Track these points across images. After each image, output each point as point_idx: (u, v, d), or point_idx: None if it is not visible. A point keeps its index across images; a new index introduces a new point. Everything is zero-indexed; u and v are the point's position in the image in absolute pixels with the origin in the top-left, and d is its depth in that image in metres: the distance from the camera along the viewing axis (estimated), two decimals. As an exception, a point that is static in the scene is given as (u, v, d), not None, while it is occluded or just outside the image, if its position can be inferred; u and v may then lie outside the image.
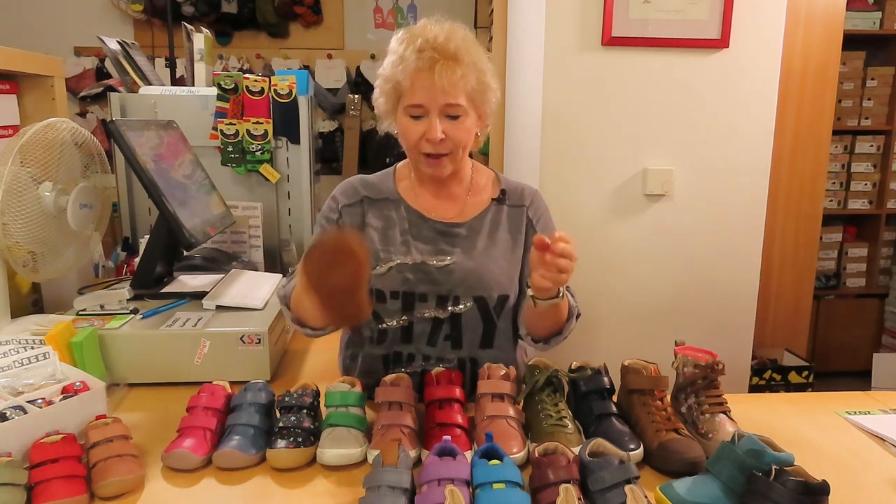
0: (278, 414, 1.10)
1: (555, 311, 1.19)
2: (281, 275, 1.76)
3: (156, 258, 1.59)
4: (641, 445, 1.06)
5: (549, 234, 1.05)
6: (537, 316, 1.21)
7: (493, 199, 1.35)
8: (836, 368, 3.59)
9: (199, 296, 1.51)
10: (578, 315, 1.29)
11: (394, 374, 1.17)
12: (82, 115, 4.23)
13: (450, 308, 1.27)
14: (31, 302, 1.54)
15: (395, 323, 1.28)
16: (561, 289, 1.13)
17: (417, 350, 1.29)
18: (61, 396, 1.08)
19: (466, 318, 1.28)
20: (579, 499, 0.86)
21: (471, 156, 1.39)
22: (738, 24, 1.87)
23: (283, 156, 2.10)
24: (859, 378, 3.51)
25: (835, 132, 3.24)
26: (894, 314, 3.65)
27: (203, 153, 1.95)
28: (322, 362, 1.52)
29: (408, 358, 1.29)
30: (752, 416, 1.21)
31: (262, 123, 2.03)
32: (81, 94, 4.18)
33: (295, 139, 2.08)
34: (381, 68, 1.26)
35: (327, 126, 4.35)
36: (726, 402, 1.11)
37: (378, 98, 1.28)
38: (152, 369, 1.33)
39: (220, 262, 1.82)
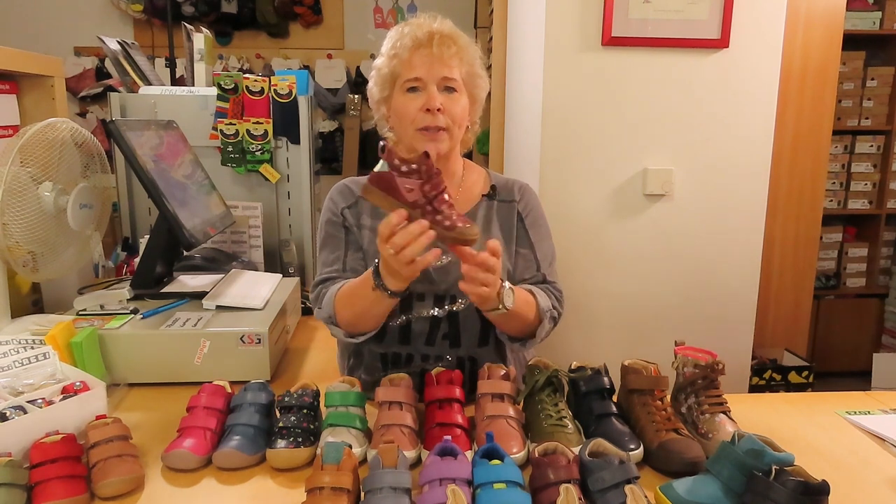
0: (278, 414, 1.10)
1: (513, 317, 1.20)
2: (281, 275, 1.76)
3: (156, 258, 1.59)
4: (641, 445, 1.06)
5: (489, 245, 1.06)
6: (496, 319, 1.22)
7: (483, 196, 1.36)
8: (836, 368, 3.59)
9: (199, 296, 1.51)
10: (556, 318, 1.30)
11: (394, 375, 1.17)
12: (82, 115, 4.24)
13: (447, 307, 1.28)
14: (31, 302, 1.54)
15: (394, 322, 1.28)
16: (503, 301, 1.13)
17: (416, 350, 1.29)
18: (61, 396, 1.08)
19: (464, 317, 1.29)
20: (579, 499, 0.86)
21: (470, 156, 1.39)
22: (738, 24, 1.87)
23: (283, 156, 2.10)
24: (859, 378, 3.51)
25: (835, 132, 3.24)
26: (894, 314, 3.65)
27: (203, 153, 1.95)
28: (322, 362, 1.52)
29: (406, 359, 1.30)
30: (752, 416, 1.21)
31: (262, 123, 2.03)
32: (81, 94, 4.19)
33: (295, 139, 2.08)
34: (375, 61, 1.31)
35: (327, 126, 4.36)
36: (726, 402, 1.12)
37: (372, 88, 1.32)
38: (152, 369, 1.33)
39: (220, 262, 1.82)
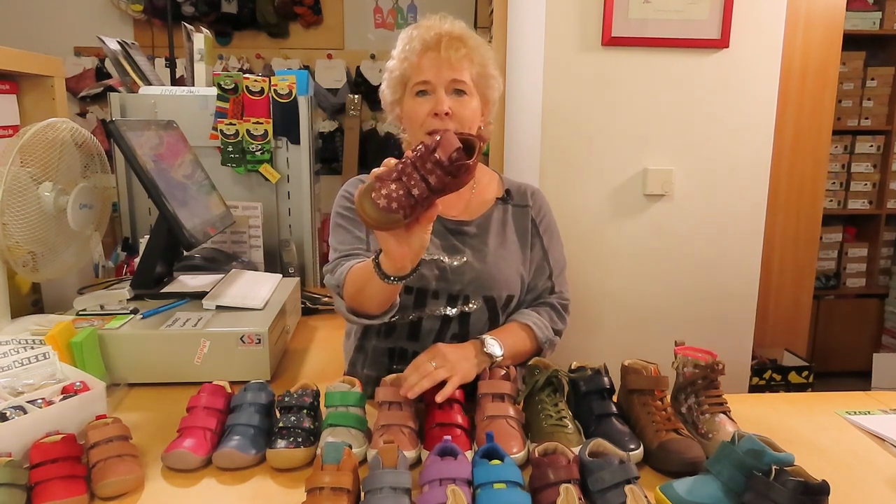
0: (278, 414, 1.10)
1: (511, 358, 1.25)
2: (281, 275, 1.76)
3: (156, 258, 1.59)
4: (641, 445, 1.06)
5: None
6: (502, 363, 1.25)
7: (497, 199, 1.36)
8: (836, 368, 3.59)
9: (199, 296, 1.51)
10: (558, 339, 1.35)
11: (394, 374, 1.17)
12: (82, 115, 4.23)
13: (459, 307, 1.28)
14: (31, 302, 1.54)
15: (405, 318, 1.28)
16: (493, 357, 1.20)
17: (423, 348, 1.29)
18: (61, 396, 1.08)
19: (474, 318, 1.29)
20: (579, 499, 0.86)
21: None
22: (738, 24, 1.87)
23: (283, 156, 2.10)
24: (859, 378, 3.52)
25: (835, 132, 3.24)
26: (894, 314, 3.65)
27: (203, 153, 1.95)
28: (322, 362, 1.52)
29: (413, 355, 1.29)
30: (752, 416, 1.21)
31: (262, 123, 2.03)
32: (81, 94, 4.18)
33: (295, 139, 2.08)
34: (387, 63, 1.30)
35: (327, 126, 4.35)
36: (726, 402, 1.12)
37: (384, 91, 1.32)
38: (152, 369, 1.33)
39: (220, 262, 1.82)
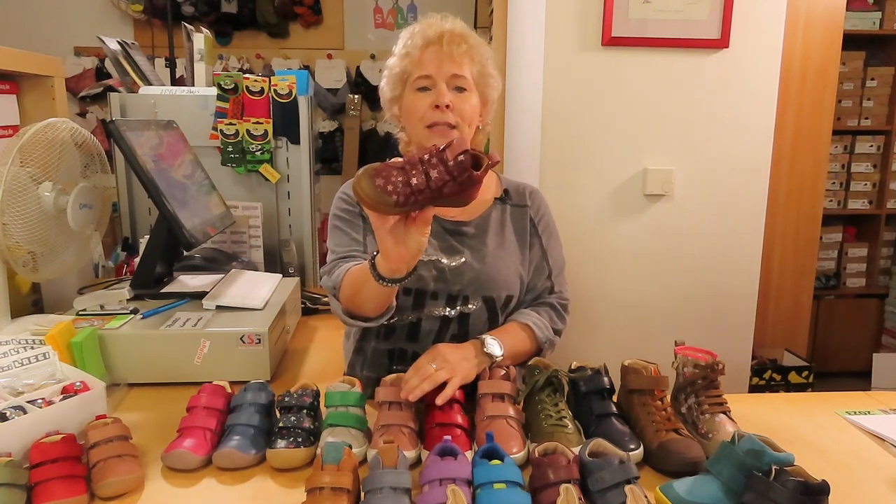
0: (278, 414, 1.10)
1: (511, 358, 1.25)
2: (281, 275, 1.76)
3: (156, 258, 1.59)
4: (641, 445, 1.06)
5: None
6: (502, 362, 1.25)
7: (496, 199, 1.36)
8: (836, 368, 3.60)
9: (199, 296, 1.51)
10: (557, 338, 1.35)
11: (394, 374, 1.17)
12: (82, 115, 4.23)
13: (458, 308, 1.28)
14: (31, 302, 1.54)
15: (404, 319, 1.28)
16: (493, 357, 1.20)
17: (423, 348, 1.28)
18: (61, 396, 1.08)
19: (473, 318, 1.29)
20: (579, 499, 0.86)
21: None
22: (738, 24, 1.87)
23: (283, 156, 2.10)
24: (859, 378, 3.52)
25: (835, 132, 3.24)
26: (894, 314, 3.66)
27: (203, 153, 1.95)
28: (322, 362, 1.52)
29: (412, 356, 1.29)
30: (752, 416, 1.21)
31: (262, 123, 2.03)
32: (81, 94, 4.18)
33: (295, 139, 2.08)
34: (388, 61, 1.31)
35: (327, 126, 4.35)
36: (726, 402, 1.12)
37: (384, 87, 1.32)
38: (152, 369, 1.33)
39: (220, 262, 1.82)
